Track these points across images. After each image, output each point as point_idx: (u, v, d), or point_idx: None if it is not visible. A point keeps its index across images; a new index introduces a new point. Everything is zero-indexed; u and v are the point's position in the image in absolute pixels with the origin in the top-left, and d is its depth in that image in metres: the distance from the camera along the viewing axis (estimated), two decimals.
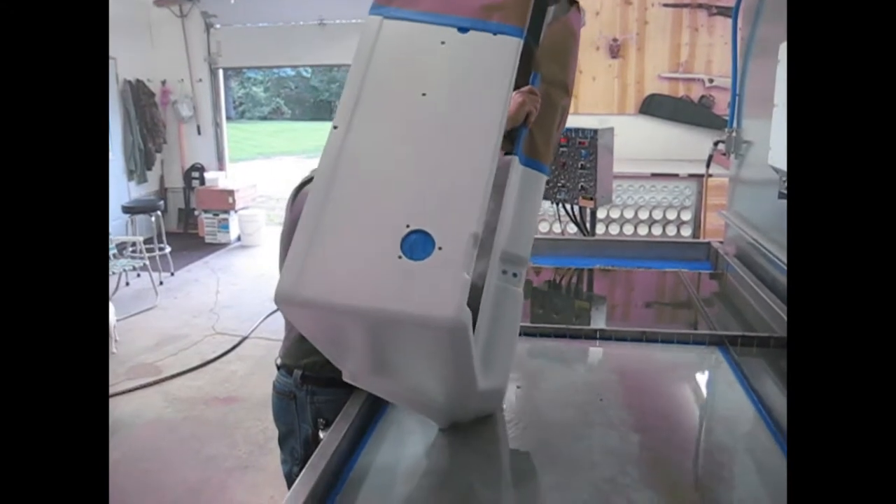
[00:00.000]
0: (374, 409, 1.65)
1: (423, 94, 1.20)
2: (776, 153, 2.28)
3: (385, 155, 1.18)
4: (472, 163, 1.15)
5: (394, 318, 1.07)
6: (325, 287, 1.10)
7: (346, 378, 1.30)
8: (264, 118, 29.57)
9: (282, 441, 1.87)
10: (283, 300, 1.11)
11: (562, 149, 2.84)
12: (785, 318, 2.05)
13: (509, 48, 1.23)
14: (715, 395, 1.88)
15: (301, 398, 1.78)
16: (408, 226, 1.10)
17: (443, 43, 1.23)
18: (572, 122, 2.03)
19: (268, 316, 5.72)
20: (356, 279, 1.10)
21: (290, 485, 1.62)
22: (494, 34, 1.23)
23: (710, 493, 1.37)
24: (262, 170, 16.43)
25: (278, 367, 1.87)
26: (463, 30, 1.23)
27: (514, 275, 1.45)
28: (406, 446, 1.47)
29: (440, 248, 1.09)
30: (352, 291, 1.09)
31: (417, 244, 1.09)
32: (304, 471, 1.34)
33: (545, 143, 1.52)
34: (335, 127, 1.20)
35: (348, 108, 1.21)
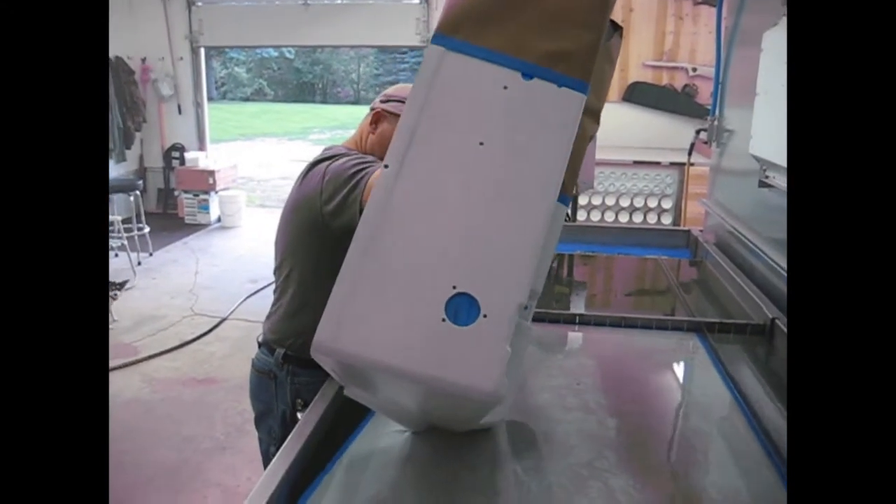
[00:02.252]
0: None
1: (481, 144, 1.13)
2: (757, 142, 2.30)
3: (436, 206, 1.13)
4: (525, 227, 1.10)
5: (432, 384, 1.06)
6: (365, 343, 1.07)
7: (347, 393, 1.27)
8: (246, 99, 29.30)
9: (258, 420, 1.87)
10: (322, 351, 1.09)
11: None
12: (762, 305, 2.07)
13: (573, 103, 1.15)
14: (692, 380, 1.89)
15: (281, 378, 1.78)
16: (454, 287, 1.07)
17: (505, 88, 1.15)
18: None
19: (247, 297, 5.69)
20: (397, 338, 1.07)
21: (266, 464, 1.62)
22: (559, 86, 1.15)
23: (686, 478, 1.39)
24: (243, 151, 16.29)
25: (259, 345, 1.85)
26: (527, 76, 1.14)
27: (526, 307, 1.42)
28: (386, 429, 1.47)
29: (485, 316, 1.06)
30: (392, 351, 1.06)
31: (462, 308, 1.06)
32: (280, 450, 1.34)
33: (572, 174, 1.49)
34: (386, 166, 1.15)
35: (402, 147, 1.15)
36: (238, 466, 3.31)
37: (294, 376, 1.76)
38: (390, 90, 1.85)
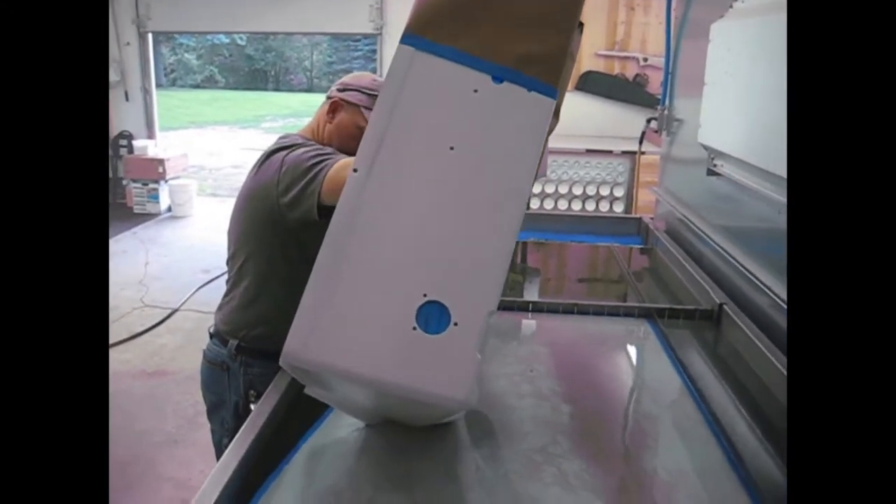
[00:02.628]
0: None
1: (451, 148, 1.12)
2: (705, 131, 2.34)
3: (406, 212, 1.12)
4: (495, 234, 1.10)
5: (403, 392, 1.06)
6: (335, 353, 1.07)
7: (308, 392, 1.26)
8: (197, 86, 28.69)
9: (211, 411, 1.85)
10: (291, 362, 1.08)
11: None
12: (710, 291, 2.12)
13: (542, 109, 1.13)
14: (643, 365, 1.93)
15: (234, 369, 1.76)
16: (425, 295, 1.06)
17: (475, 91, 1.13)
18: None
19: (199, 288, 5.60)
20: (368, 347, 1.07)
21: (219, 456, 1.60)
22: (529, 90, 1.13)
23: (637, 461, 1.41)
24: (194, 139, 15.98)
25: (211, 336, 1.83)
26: (497, 79, 1.13)
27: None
28: (344, 421, 1.46)
29: (455, 324, 1.06)
30: (363, 361, 1.06)
31: (433, 316, 1.06)
32: (233, 442, 1.32)
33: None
34: (355, 170, 1.13)
35: (371, 151, 1.13)
36: (191, 459, 3.27)
37: (247, 367, 1.74)
38: (347, 78, 1.83)
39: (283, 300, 1.69)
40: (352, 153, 1.75)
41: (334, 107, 1.78)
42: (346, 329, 1.08)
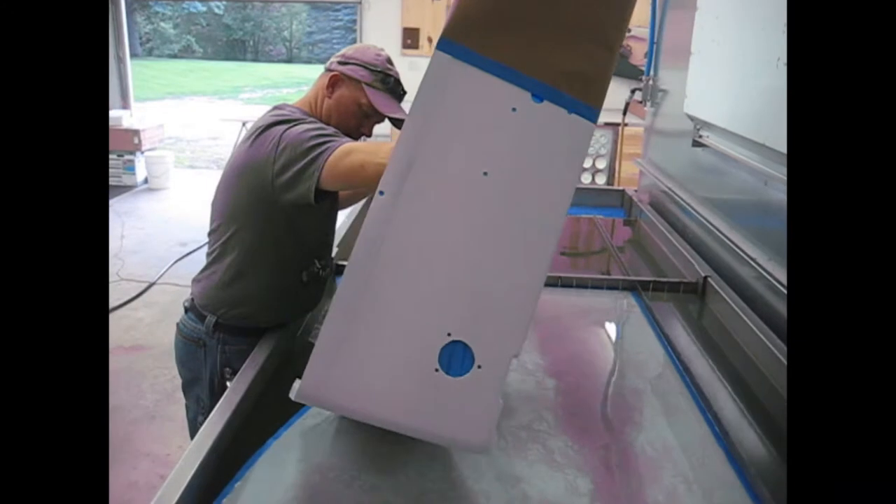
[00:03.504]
0: (284, 360, 1.60)
1: (485, 174, 1.03)
2: (692, 101, 2.30)
3: (435, 243, 1.04)
4: (526, 271, 1.03)
5: (422, 435, 1.03)
6: (353, 394, 1.03)
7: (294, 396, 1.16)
8: (174, 56, 28.18)
9: (186, 387, 1.80)
10: (309, 400, 1.05)
11: None
12: (695, 263, 2.10)
13: (582, 133, 1.04)
14: (627, 339, 1.91)
15: (211, 346, 1.70)
16: (449, 334, 1.01)
17: (514, 110, 1.03)
18: None
19: (176, 261, 5.51)
20: (387, 388, 1.02)
21: (193, 433, 1.56)
22: (569, 112, 1.03)
23: (622, 436, 1.40)
24: (171, 110, 15.71)
25: (187, 310, 1.77)
26: (538, 98, 1.02)
27: None
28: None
29: (479, 367, 1.01)
30: (382, 402, 1.02)
31: (456, 357, 1.01)
32: (209, 419, 1.28)
33: None
34: (381, 192, 1.03)
35: (399, 171, 1.03)
36: (169, 434, 3.22)
37: (224, 344, 1.69)
38: (349, 51, 1.73)
39: (267, 281, 1.65)
40: (350, 130, 1.69)
41: (334, 80, 1.69)
42: (365, 368, 1.02)
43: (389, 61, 1.72)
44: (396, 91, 1.72)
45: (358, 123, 1.72)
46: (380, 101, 1.67)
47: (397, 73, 1.72)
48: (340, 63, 1.70)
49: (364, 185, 1.44)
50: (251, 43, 30.06)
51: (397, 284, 1.03)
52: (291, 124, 1.53)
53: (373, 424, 1.07)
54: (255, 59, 28.97)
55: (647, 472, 1.28)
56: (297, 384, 1.09)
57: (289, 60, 28.01)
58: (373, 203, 1.05)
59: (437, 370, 1.01)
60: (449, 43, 1.02)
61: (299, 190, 1.46)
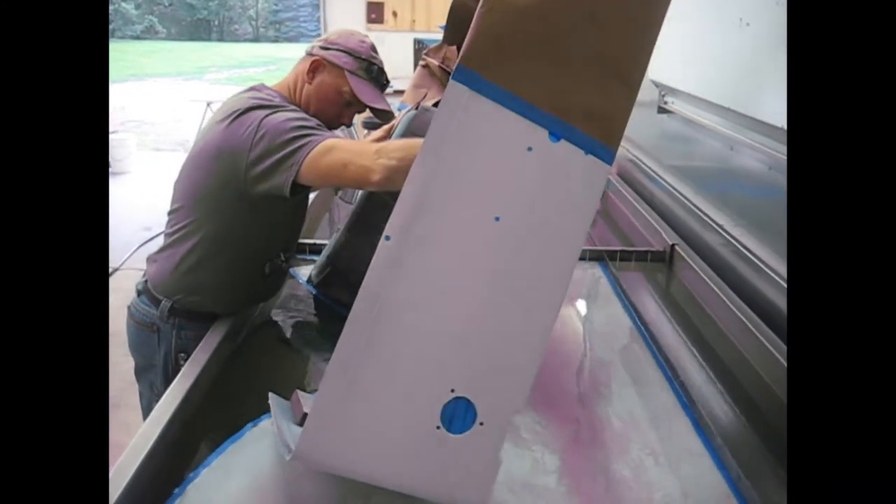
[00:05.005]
0: (238, 345, 1.57)
1: (497, 219, 0.96)
2: (657, 66, 2.26)
3: (442, 294, 0.97)
4: (533, 323, 0.98)
5: (419, 494, 1.00)
6: (352, 454, 0.98)
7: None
8: (137, 37, 27.65)
9: (139, 373, 1.74)
10: (305, 462, 0.99)
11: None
12: (662, 232, 2.08)
13: (598, 176, 0.97)
14: (595, 309, 1.88)
15: (165, 331, 1.64)
16: (453, 391, 0.96)
17: (529, 149, 0.95)
18: None
19: (140, 246, 5.41)
20: (388, 449, 0.98)
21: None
22: (586, 153, 0.96)
23: (591, 409, 1.37)
24: (134, 92, 15.41)
25: (139, 293, 1.70)
26: (555, 137, 0.95)
27: None
28: (276, 380, 1.38)
29: (482, 424, 0.96)
30: (381, 462, 0.98)
31: (458, 414, 0.97)
32: (157, 406, 1.27)
33: None
34: (388, 237, 0.95)
35: (409, 214, 0.95)
36: (132, 424, 3.14)
37: (180, 329, 1.63)
38: (332, 36, 1.65)
39: (228, 271, 1.57)
40: (330, 118, 1.63)
41: (315, 66, 1.60)
42: (365, 430, 0.97)
43: (374, 49, 1.66)
44: (380, 80, 1.66)
45: (338, 112, 1.65)
46: (362, 89, 1.61)
47: (381, 62, 1.65)
48: (323, 48, 1.62)
49: (344, 185, 1.38)
50: (216, 23, 29.57)
51: (401, 338, 0.98)
52: (272, 111, 1.45)
53: (370, 483, 1.02)
54: (221, 39, 28.53)
55: (615, 445, 1.26)
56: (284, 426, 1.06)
57: (255, 40, 27.64)
58: (378, 250, 0.97)
59: (438, 428, 0.97)
60: (468, 72, 0.94)
61: (274, 181, 1.39)
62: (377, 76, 1.65)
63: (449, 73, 1.78)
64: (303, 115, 1.49)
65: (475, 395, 0.97)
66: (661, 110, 2.23)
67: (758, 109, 1.54)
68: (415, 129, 1.53)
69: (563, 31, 0.95)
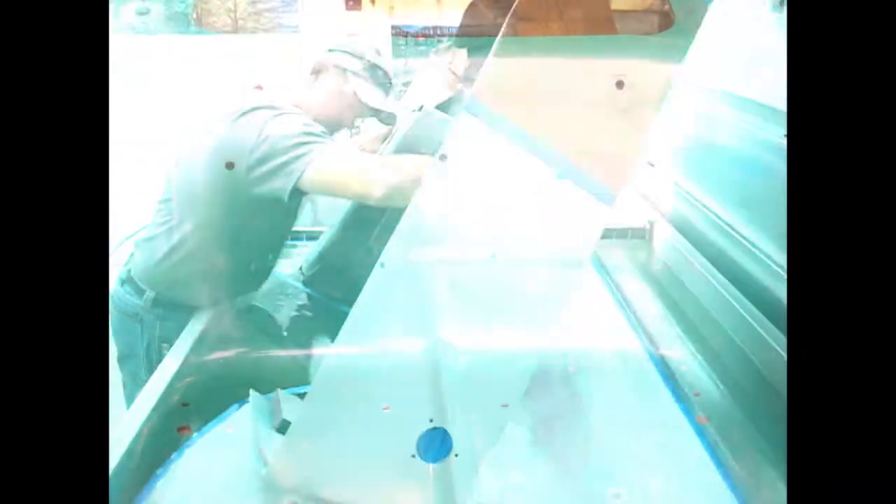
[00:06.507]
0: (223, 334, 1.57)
1: (493, 256, 0.96)
2: None
3: (431, 322, 0.98)
4: (517, 359, 0.99)
5: None
6: (325, 478, 1.00)
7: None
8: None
9: (121, 361, 1.72)
10: (279, 488, 1.00)
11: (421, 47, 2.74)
12: (642, 209, 2.09)
13: (597, 219, 0.95)
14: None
15: (149, 321, 1.63)
16: (431, 420, 0.97)
17: (533, 187, 0.95)
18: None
19: (122, 243, 5.37)
20: (362, 479, 1.00)
21: None
22: (588, 193, 0.94)
23: (573, 388, 1.38)
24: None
25: (123, 282, 1.68)
26: (560, 175, 0.94)
27: None
28: (258, 371, 1.39)
29: (456, 455, 0.98)
30: (354, 487, 1.00)
31: (434, 444, 0.98)
32: (139, 396, 1.28)
33: None
34: (382, 265, 0.96)
35: (406, 242, 0.95)
36: (118, 415, 3.16)
37: (164, 320, 1.62)
38: (336, 40, 1.66)
39: (217, 267, 1.57)
40: (332, 120, 1.61)
41: (319, 67, 1.62)
42: (340, 454, 0.99)
43: (378, 52, 1.66)
44: (384, 83, 1.66)
45: (340, 114, 1.64)
46: (365, 92, 1.61)
47: (385, 66, 1.65)
48: (327, 50, 1.63)
49: (344, 197, 1.38)
50: (194, 16, 29.30)
51: (386, 365, 0.99)
52: (278, 112, 1.45)
53: None
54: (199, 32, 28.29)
55: (598, 421, 1.27)
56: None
57: (234, 32, 27.38)
58: (372, 276, 0.97)
59: (413, 456, 0.98)
60: (479, 105, 0.94)
61: (274, 185, 1.39)
62: (381, 79, 1.65)
63: (455, 75, 1.77)
64: (308, 119, 1.49)
65: (452, 426, 0.98)
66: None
67: None
68: (418, 132, 1.50)
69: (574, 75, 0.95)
